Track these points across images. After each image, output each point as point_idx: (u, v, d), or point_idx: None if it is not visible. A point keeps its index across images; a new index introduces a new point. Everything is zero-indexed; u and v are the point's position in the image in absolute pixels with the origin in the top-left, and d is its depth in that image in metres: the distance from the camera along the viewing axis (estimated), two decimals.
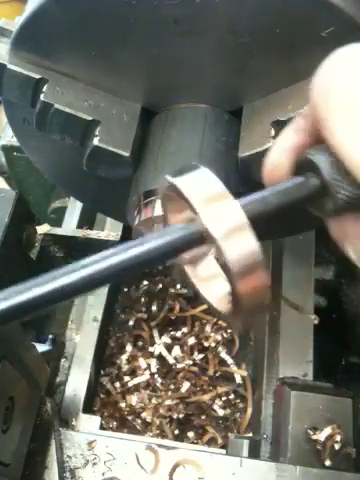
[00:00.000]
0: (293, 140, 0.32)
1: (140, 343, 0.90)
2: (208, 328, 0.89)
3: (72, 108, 0.56)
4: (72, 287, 0.27)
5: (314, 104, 0.28)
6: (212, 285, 0.35)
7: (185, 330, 0.89)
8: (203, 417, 0.83)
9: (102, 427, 0.75)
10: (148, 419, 0.83)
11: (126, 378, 0.86)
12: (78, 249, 0.85)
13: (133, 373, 0.87)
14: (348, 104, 0.27)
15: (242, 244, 0.27)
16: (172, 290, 0.92)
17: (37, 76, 0.55)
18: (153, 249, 0.28)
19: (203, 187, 0.28)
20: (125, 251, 0.28)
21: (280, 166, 0.33)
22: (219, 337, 0.88)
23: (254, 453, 0.70)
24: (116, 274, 0.28)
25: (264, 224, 0.29)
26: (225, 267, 0.27)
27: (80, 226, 0.88)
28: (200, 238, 0.28)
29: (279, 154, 0.33)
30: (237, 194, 0.29)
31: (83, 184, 0.71)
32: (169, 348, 0.88)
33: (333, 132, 0.27)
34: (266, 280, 0.28)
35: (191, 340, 0.88)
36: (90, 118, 0.56)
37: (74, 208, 0.92)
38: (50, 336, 0.77)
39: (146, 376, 0.86)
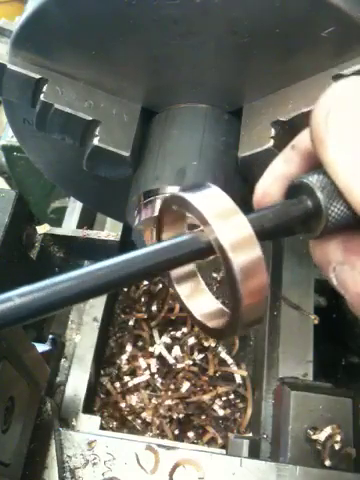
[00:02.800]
0: (283, 169, 0.34)
1: (140, 343, 0.90)
2: None
3: (72, 108, 0.56)
4: (77, 294, 0.27)
5: (313, 126, 0.30)
6: (200, 302, 0.36)
7: (185, 330, 0.89)
8: (203, 417, 0.83)
9: (102, 427, 0.75)
10: (148, 419, 0.83)
11: (126, 378, 0.86)
12: (78, 249, 0.85)
13: (133, 373, 0.87)
14: (345, 123, 0.29)
15: (249, 255, 0.28)
16: (172, 290, 0.92)
17: (37, 76, 0.55)
18: (165, 253, 0.29)
19: (214, 202, 0.29)
20: (139, 256, 0.29)
21: (271, 193, 0.34)
22: None
23: (254, 453, 0.70)
24: (130, 277, 0.28)
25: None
26: (231, 276, 0.28)
27: (80, 226, 0.88)
28: (209, 248, 0.29)
29: (270, 181, 0.34)
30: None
31: (83, 184, 0.71)
32: (169, 348, 0.88)
33: (328, 149, 0.29)
34: (266, 293, 0.29)
35: (191, 340, 0.88)
36: (90, 118, 0.56)
37: (74, 208, 0.92)
38: (50, 336, 0.78)
39: (146, 376, 0.86)
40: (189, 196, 0.30)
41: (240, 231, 0.28)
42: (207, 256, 0.30)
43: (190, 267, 0.37)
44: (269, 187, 0.34)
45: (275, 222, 0.31)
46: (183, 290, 0.37)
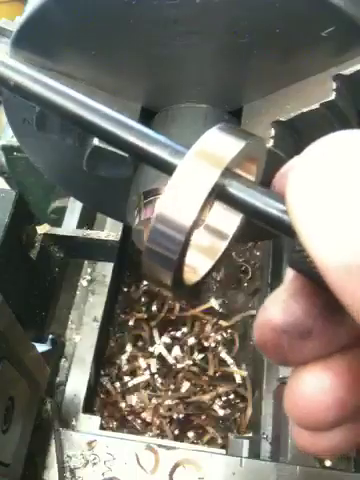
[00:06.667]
0: None
1: (140, 343, 0.90)
2: (208, 328, 0.89)
3: None
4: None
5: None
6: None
7: (185, 330, 0.89)
8: (203, 417, 0.83)
9: (102, 427, 0.75)
10: (148, 419, 0.83)
11: (126, 378, 0.86)
12: (78, 249, 0.85)
13: (133, 373, 0.87)
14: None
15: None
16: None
17: None
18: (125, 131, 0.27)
19: (216, 144, 0.26)
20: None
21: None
22: (219, 337, 0.88)
23: (254, 453, 0.70)
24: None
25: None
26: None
27: (80, 226, 0.88)
28: (166, 167, 0.26)
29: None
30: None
31: (83, 184, 0.71)
32: (169, 348, 0.88)
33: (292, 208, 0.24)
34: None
35: (191, 340, 0.88)
36: None
37: (74, 208, 0.92)
38: (50, 336, 0.78)
39: (146, 376, 0.86)
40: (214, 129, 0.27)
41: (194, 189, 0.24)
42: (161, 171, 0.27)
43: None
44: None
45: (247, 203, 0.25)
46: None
